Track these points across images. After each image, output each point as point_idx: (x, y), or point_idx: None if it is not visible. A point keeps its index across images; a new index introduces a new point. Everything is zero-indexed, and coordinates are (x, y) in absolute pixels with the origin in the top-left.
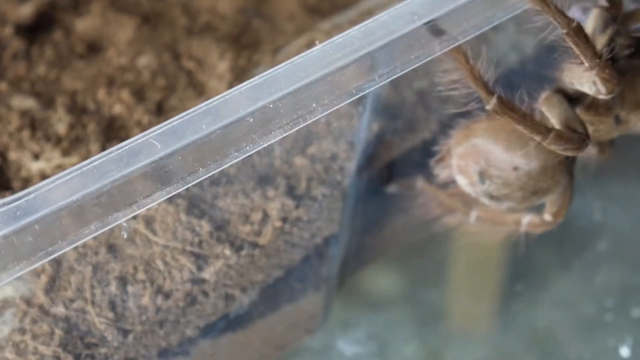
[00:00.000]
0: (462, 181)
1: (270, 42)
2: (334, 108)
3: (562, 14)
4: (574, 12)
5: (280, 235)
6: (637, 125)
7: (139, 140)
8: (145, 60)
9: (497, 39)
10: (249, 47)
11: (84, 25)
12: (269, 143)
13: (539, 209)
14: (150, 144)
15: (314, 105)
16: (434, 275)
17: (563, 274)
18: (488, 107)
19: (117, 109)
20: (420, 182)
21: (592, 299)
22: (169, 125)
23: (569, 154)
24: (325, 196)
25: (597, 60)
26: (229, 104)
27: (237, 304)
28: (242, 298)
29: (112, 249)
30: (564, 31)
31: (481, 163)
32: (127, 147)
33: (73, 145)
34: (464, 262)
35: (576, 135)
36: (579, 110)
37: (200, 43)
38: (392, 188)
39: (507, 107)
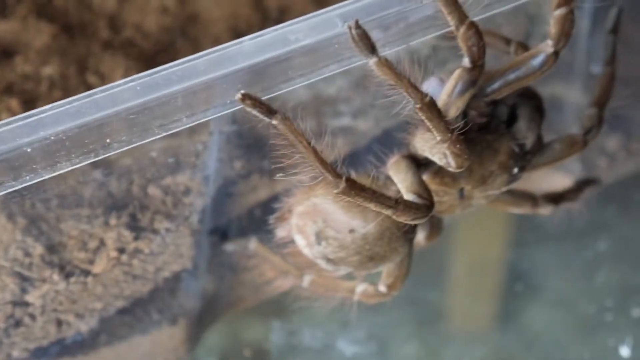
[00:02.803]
0: (300, 242)
1: None
2: (132, 145)
3: (415, 87)
4: (432, 82)
5: (117, 265)
6: (479, 202)
7: None
8: (49, 71)
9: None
10: None
11: (4, 28)
12: (54, 174)
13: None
14: None
15: (108, 140)
16: (433, 275)
17: (563, 274)
18: (336, 191)
19: (3, 117)
20: (253, 243)
21: (591, 299)
22: None
23: (416, 222)
24: (169, 230)
25: (449, 135)
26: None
27: (72, 330)
28: (78, 325)
29: None
30: (417, 105)
31: (319, 223)
32: None
33: None
34: (464, 262)
35: (421, 202)
36: (426, 177)
37: (111, 59)
38: (229, 246)
39: (356, 188)
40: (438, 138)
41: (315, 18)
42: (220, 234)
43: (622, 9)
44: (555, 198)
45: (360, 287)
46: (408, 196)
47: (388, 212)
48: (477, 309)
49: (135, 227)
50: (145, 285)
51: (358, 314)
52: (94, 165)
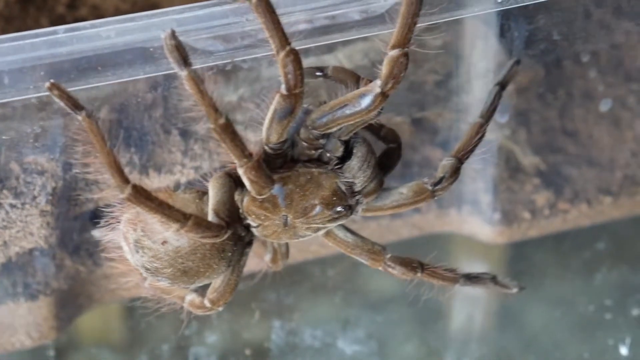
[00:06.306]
0: (125, 248)
1: None
2: None
3: (214, 108)
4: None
5: None
6: (306, 235)
7: None
8: None
9: None
10: None
11: None
12: None
13: None
14: None
15: None
16: None
17: (562, 274)
18: (122, 196)
19: None
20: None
21: (591, 298)
22: None
23: (207, 241)
24: (14, 207)
25: (245, 160)
26: None
27: None
28: None
29: None
30: (211, 126)
31: (138, 231)
32: None
33: None
34: (464, 262)
35: (216, 222)
36: (247, 198)
37: None
38: (97, 233)
39: (142, 196)
40: (235, 162)
41: (147, 19)
42: (89, 220)
43: (518, 61)
44: (411, 265)
45: (189, 297)
46: (210, 214)
47: (175, 225)
48: (477, 309)
49: None
50: None
51: (358, 313)
52: None
